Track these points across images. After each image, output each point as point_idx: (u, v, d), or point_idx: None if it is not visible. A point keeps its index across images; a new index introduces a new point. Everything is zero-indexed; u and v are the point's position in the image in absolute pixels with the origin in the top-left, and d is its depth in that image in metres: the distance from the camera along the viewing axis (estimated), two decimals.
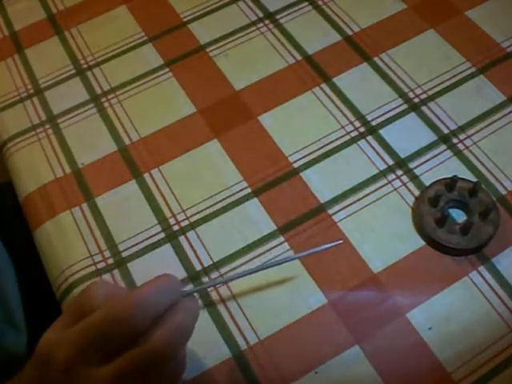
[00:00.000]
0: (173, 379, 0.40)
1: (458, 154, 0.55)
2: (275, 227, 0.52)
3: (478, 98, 0.58)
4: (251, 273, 0.44)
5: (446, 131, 0.56)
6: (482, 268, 0.49)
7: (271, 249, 0.51)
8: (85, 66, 0.64)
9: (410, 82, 0.59)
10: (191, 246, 0.51)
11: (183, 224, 0.52)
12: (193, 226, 0.52)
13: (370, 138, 0.56)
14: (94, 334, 0.36)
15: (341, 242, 0.45)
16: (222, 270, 0.50)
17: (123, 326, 0.36)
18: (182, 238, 0.52)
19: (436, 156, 0.55)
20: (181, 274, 0.50)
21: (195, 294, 0.42)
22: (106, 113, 0.60)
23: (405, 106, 0.58)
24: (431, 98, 0.58)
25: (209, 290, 0.49)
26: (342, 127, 0.57)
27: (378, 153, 0.55)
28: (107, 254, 0.51)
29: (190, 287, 0.49)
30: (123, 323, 0.36)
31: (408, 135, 0.56)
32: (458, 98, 0.58)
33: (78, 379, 0.36)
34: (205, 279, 0.50)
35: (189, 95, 0.60)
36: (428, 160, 0.54)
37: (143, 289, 0.38)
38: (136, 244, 0.52)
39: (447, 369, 0.45)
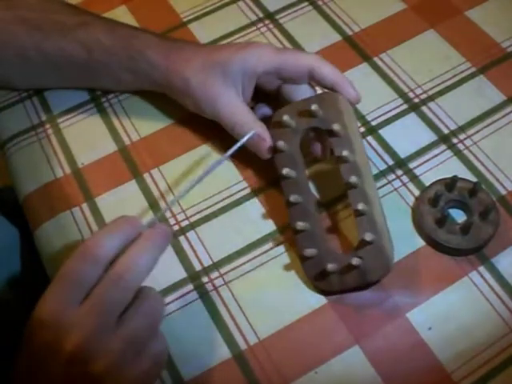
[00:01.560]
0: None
1: (458, 153, 0.55)
2: (275, 227, 0.52)
3: (478, 98, 0.58)
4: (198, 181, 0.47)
5: (446, 131, 0.56)
6: (481, 268, 0.49)
7: (271, 249, 0.51)
8: None
9: (410, 81, 0.59)
10: (191, 246, 0.51)
11: (183, 224, 0.52)
12: (193, 226, 0.52)
13: (369, 138, 0.56)
14: (67, 277, 0.39)
15: (253, 132, 0.49)
16: (222, 270, 0.50)
17: (88, 263, 0.39)
18: (181, 238, 0.52)
19: (436, 156, 0.55)
20: (181, 274, 0.50)
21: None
22: (105, 113, 0.60)
23: (405, 106, 0.58)
24: (431, 98, 0.58)
25: (208, 290, 0.49)
26: None
27: (377, 153, 0.55)
28: None
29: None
30: (88, 261, 0.39)
31: (408, 135, 0.56)
32: (457, 97, 0.58)
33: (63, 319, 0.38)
34: (204, 279, 0.50)
35: None
36: (428, 160, 0.54)
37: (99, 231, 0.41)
38: None
39: (447, 369, 0.45)
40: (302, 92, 0.52)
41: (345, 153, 0.47)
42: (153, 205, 0.54)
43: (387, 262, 0.46)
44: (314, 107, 0.48)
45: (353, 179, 0.46)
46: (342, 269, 0.46)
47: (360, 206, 0.46)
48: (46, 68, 0.57)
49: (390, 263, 0.46)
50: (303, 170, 0.49)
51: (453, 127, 0.56)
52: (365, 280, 0.46)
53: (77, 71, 0.57)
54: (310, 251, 0.47)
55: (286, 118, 0.49)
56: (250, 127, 0.51)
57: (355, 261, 0.45)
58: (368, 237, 0.45)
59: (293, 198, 0.48)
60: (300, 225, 0.47)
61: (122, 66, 0.54)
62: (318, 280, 0.47)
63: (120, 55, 0.54)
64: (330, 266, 0.46)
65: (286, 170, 0.48)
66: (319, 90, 0.53)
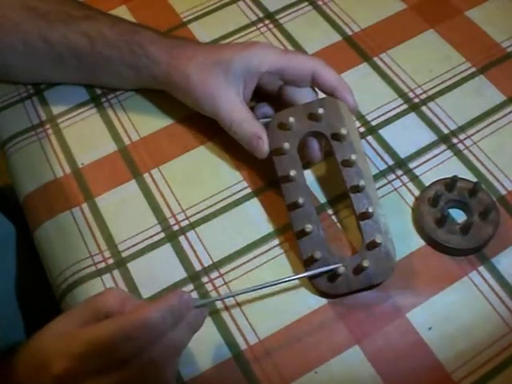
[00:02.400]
0: None
1: (458, 153, 0.55)
2: (275, 227, 0.52)
3: (478, 98, 0.58)
4: (257, 289, 0.45)
5: (446, 131, 0.56)
6: (481, 268, 0.49)
7: (271, 249, 0.51)
8: None
9: (410, 82, 0.59)
10: (191, 246, 0.51)
11: (183, 224, 0.52)
12: (193, 226, 0.52)
13: (369, 138, 0.56)
14: (97, 348, 0.37)
15: (339, 265, 0.46)
16: (222, 270, 0.50)
17: (129, 344, 0.37)
18: (182, 238, 0.52)
19: (436, 156, 0.55)
20: (181, 274, 0.50)
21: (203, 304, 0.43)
22: (105, 113, 0.60)
23: (405, 106, 0.58)
24: (431, 98, 0.58)
25: (208, 290, 0.49)
26: None
27: (377, 153, 0.55)
28: (107, 254, 0.51)
29: (192, 292, 0.49)
30: (130, 342, 0.37)
31: (408, 135, 0.56)
32: (457, 97, 0.58)
33: None
34: (204, 279, 0.50)
35: None
36: (428, 160, 0.54)
37: (153, 309, 0.38)
38: (136, 244, 0.52)
39: (447, 369, 0.45)
40: (304, 95, 0.52)
41: (353, 157, 0.48)
42: (153, 205, 0.54)
43: (392, 265, 0.47)
44: (320, 111, 0.49)
45: (361, 183, 0.48)
46: (350, 271, 0.47)
47: (370, 209, 0.47)
48: (49, 59, 0.56)
49: (394, 265, 0.47)
50: (302, 173, 0.50)
51: (453, 127, 0.56)
52: (370, 282, 0.47)
53: (80, 64, 0.57)
54: (317, 254, 0.47)
55: (292, 120, 0.49)
56: (248, 126, 0.51)
57: (366, 262, 0.45)
58: (378, 239, 0.46)
59: (295, 200, 0.48)
60: (309, 227, 0.47)
61: (124, 60, 0.55)
62: (324, 283, 0.47)
63: (122, 49, 0.54)
64: (342, 269, 0.46)
65: (293, 172, 0.49)
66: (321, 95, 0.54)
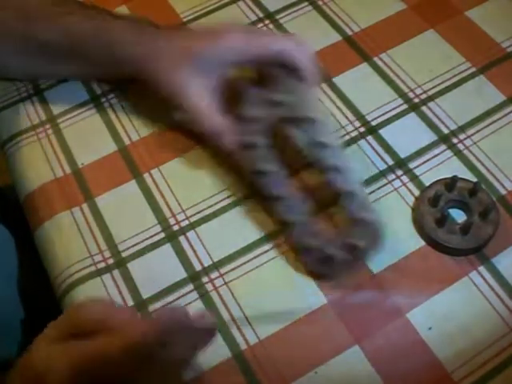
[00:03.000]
0: None
1: (458, 153, 0.55)
2: (275, 227, 0.52)
3: (478, 98, 0.58)
4: None
5: (446, 131, 0.56)
6: (481, 268, 0.49)
7: (271, 249, 0.51)
8: None
9: (410, 82, 0.59)
10: (191, 246, 0.51)
11: (183, 224, 0.52)
12: (193, 226, 0.52)
13: (369, 137, 0.56)
14: (88, 365, 0.36)
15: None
16: (222, 270, 0.50)
17: (120, 363, 0.36)
18: (182, 238, 0.52)
19: (436, 156, 0.55)
20: (181, 274, 0.50)
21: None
22: (106, 113, 0.60)
23: (405, 106, 0.58)
24: (431, 98, 0.58)
25: (208, 290, 0.49)
26: (342, 127, 0.57)
27: (377, 153, 0.55)
28: (107, 254, 0.51)
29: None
30: (120, 363, 0.36)
31: (408, 135, 0.56)
32: (458, 97, 0.58)
33: None
34: (204, 279, 0.50)
35: None
36: (428, 160, 0.54)
37: (141, 331, 0.37)
38: (136, 244, 0.52)
39: (447, 368, 0.45)
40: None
41: (312, 114, 0.48)
42: (153, 205, 0.54)
43: (381, 233, 0.47)
44: (283, 97, 0.49)
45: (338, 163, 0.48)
46: (344, 252, 0.47)
47: (348, 187, 0.47)
48: (35, 53, 0.56)
49: (382, 233, 0.47)
50: (279, 163, 0.49)
51: (453, 127, 0.56)
52: (361, 257, 0.48)
53: (61, 58, 0.57)
54: (313, 241, 0.47)
55: (256, 111, 0.49)
56: (208, 122, 0.51)
57: (355, 240, 0.46)
58: (365, 215, 0.47)
59: (278, 192, 0.48)
60: (296, 218, 0.48)
61: (96, 48, 0.54)
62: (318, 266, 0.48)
63: (95, 38, 0.54)
64: (334, 251, 0.46)
65: (270, 166, 0.48)
66: None
